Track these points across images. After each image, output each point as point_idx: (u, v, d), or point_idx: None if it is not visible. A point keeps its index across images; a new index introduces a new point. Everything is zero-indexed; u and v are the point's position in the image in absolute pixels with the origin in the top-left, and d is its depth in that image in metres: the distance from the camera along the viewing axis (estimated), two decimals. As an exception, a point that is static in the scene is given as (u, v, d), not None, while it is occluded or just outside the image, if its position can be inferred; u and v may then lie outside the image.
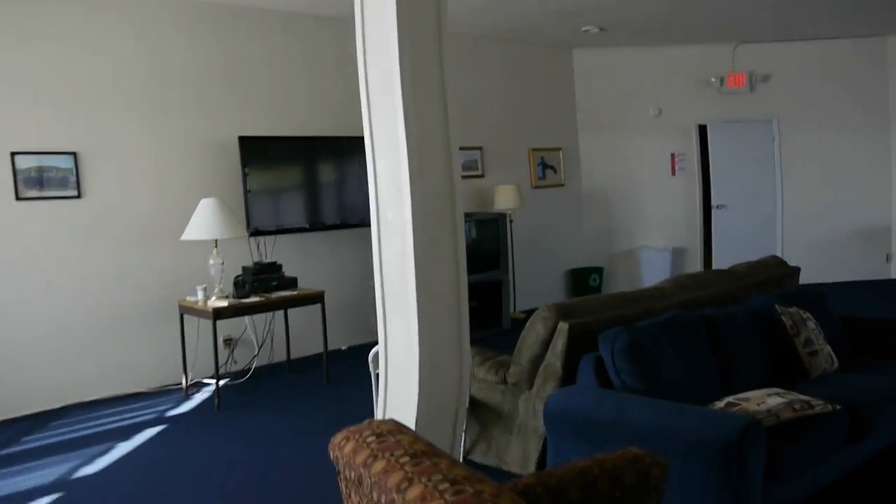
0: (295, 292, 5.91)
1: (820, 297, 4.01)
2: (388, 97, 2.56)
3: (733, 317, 3.47)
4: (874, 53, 9.20)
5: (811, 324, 3.59)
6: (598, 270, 9.18)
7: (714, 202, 9.18)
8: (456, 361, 2.84)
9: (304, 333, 6.58)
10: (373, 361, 3.45)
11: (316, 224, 6.79)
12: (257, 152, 6.36)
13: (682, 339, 3.14)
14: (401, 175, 2.57)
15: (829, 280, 9.33)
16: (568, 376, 3.18)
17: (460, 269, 2.87)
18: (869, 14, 7.98)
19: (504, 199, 7.96)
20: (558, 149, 9.07)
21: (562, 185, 9.13)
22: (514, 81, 8.65)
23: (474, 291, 7.61)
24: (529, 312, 8.46)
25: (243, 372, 6.26)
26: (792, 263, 9.30)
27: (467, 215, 7.49)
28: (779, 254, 9.34)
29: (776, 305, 3.64)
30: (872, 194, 9.33)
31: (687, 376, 3.06)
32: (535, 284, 8.58)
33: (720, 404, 2.87)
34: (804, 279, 9.39)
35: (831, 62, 9.16)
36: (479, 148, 8.26)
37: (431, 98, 2.64)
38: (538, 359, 3.28)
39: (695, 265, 9.43)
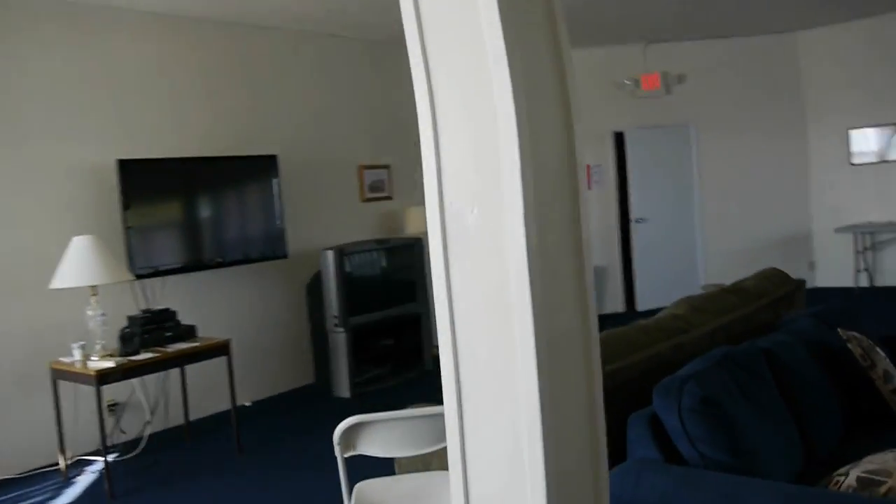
0: (195, 343, 4.95)
1: (855, 315, 3.40)
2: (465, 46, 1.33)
3: (789, 347, 2.88)
4: (786, 51, 9.17)
5: (880, 351, 3.01)
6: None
7: (633, 215, 8.86)
8: (589, 457, 1.55)
9: (203, 389, 5.60)
10: (341, 441, 2.64)
11: (211, 261, 5.83)
12: (140, 178, 5.35)
13: (747, 383, 2.52)
14: (502, 156, 1.24)
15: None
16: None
17: (589, 305, 1.53)
18: (777, 10, 7.84)
19: (415, 222, 7.25)
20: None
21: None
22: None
23: (391, 328, 6.99)
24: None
25: (134, 443, 5.20)
26: (714, 277, 9.27)
27: (379, 242, 6.74)
28: (700, 268, 9.16)
29: (839, 330, 3.05)
30: (791, 200, 9.26)
31: (766, 435, 2.43)
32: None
33: (850, 481, 2.17)
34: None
35: (744, 61, 9.04)
36: (387, 167, 7.53)
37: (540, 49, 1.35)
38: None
39: (615, 285, 9.07)
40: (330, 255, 6.09)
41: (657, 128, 8.91)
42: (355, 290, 6.21)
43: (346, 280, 6.11)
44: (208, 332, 5.30)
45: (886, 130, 8.62)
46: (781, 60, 9.13)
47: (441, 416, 2.82)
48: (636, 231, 8.84)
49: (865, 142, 8.79)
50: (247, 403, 6.00)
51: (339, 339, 6.08)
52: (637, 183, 8.86)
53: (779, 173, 9.20)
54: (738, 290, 3.70)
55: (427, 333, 6.82)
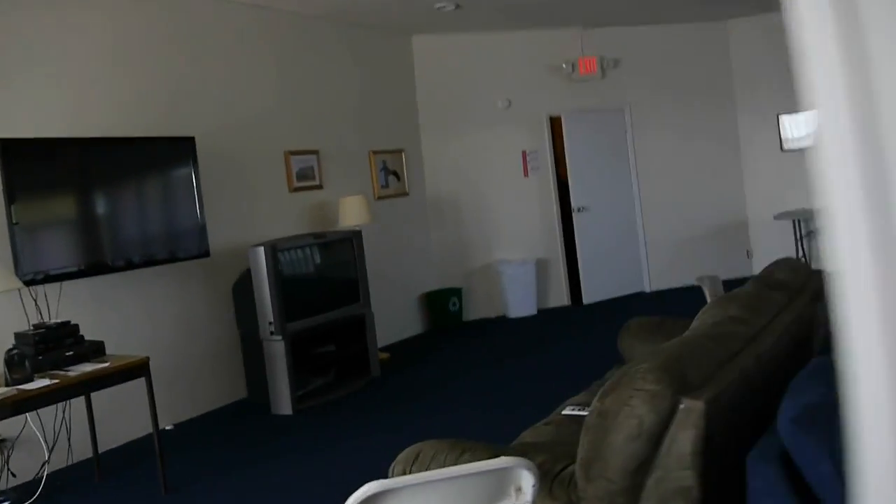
0: (104, 364, 4.03)
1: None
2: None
3: None
4: (718, 37, 8.90)
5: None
6: (457, 292, 7.98)
7: (574, 204, 8.36)
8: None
9: (113, 413, 4.68)
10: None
11: (117, 262, 4.88)
12: (28, 163, 4.37)
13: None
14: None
15: (691, 282, 8.89)
16: (708, 499, 1.87)
17: None
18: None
19: (351, 213, 6.47)
20: (400, 150, 7.76)
21: (406, 193, 7.83)
22: (350, 71, 7.21)
23: (333, 333, 6.20)
24: (391, 351, 7.20)
25: (29, 488, 4.22)
26: (657, 268, 8.93)
27: (315, 236, 5.94)
28: (642, 258, 8.76)
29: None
30: (727, 188, 9.01)
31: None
32: (388, 316, 7.15)
33: None
34: (671, 283, 9.13)
35: (678, 47, 8.72)
36: (315, 152, 6.71)
37: None
38: (643, 468, 1.94)
39: (559, 278, 8.55)
40: (260, 252, 5.25)
41: (593, 112, 8.45)
42: (292, 292, 5.39)
43: (280, 280, 5.28)
44: (120, 347, 4.38)
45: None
46: (713, 47, 8.87)
47: (497, 471, 2.01)
48: (578, 220, 8.33)
49: (796, 128, 8.61)
50: (168, 427, 5.10)
51: (276, 349, 5.25)
52: (576, 170, 8.37)
53: (714, 160, 8.93)
54: (776, 284, 3.16)
55: (372, 337, 6.07)
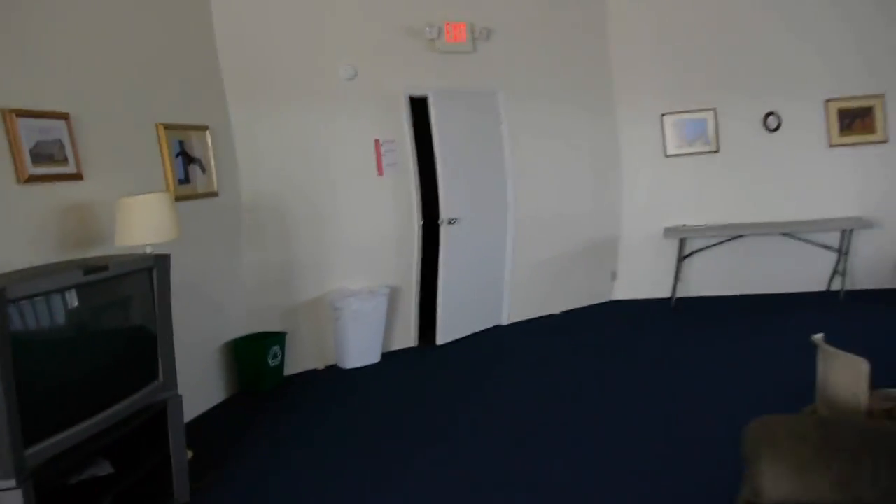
0: None
1: None
2: None
3: None
4: (595, 15, 7.33)
5: None
6: (278, 338, 5.51)
7: (443, 214, 6.25)
8: None
9: None
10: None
11: None
12: None
13: None
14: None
15: (555, 310, 7.23)
16: None
17: None
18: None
19: (145, 223, 3.80)
20: (203, 127, 5.15)
21: (215, 193, 5.23)
22: (124, 3, 4.52)
23: (113, 447, 3.00)
24: (188, 439, 3.84)
25: None
26: (517, 294, 7.04)
27: (84, 268, 3.28)
28: (504, 284, 6.90)
29: None
30: (604, 197, 7.45)
31: None
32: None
33: None
34: (532, 312, 7.11)
35: (554, 21, 6.97)
36: (64, 116, 3.93)
37: None
38: None
39: (407, 312, 6.37)
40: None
41: (465, 94, 6.44)
42: (36, 388, 2.70)
43: (14, 368, 2.58)
44: None
45: (701, 117, 7.23)
46: (592, 25, 7.28)
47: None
48: (446, 236, 6.26)
49: (681, 130, 7.32)
50: None
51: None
52: (447, 169, 6.23)
53: (593, 164, 7.35)
54: None
55: (179, 440, 3.49)
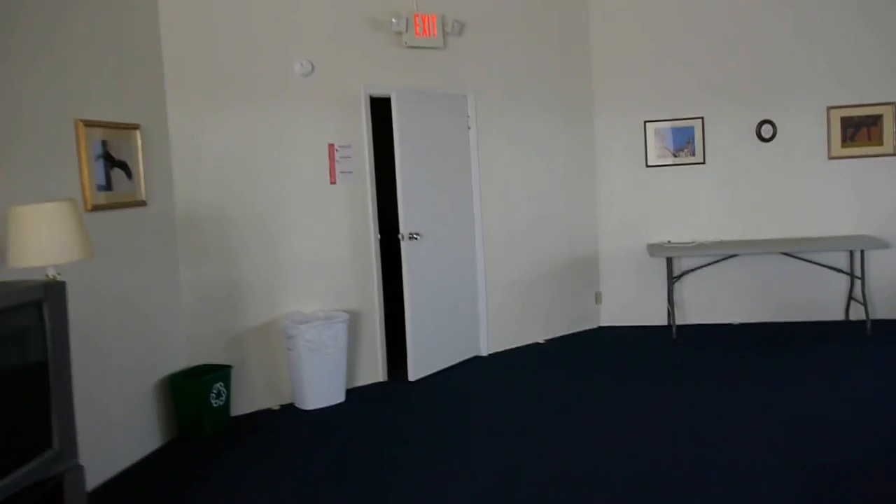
0: None
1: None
2: None
3: None
4: (577, 15, 6.74)
5: None
6: (222, 373, 4.72)
7: (403, 229, 5.53)
8: None
9: None
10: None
11: None
12: None
13: None
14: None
15: (539, 338, 6.57)
16: None
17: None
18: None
19: (43, 240, 3.04)
20: (133, 127, 4.36)
21: (142, 202, 4.43)
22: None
23: None
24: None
25: None
26: (496, 321, 6.16)
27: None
28: (480, 309, 6.23)
29: None
30: (582, 211, 6.84)
31: None
32: (96, 427, 3.83)
33: None
34: (513, 341, 6.32)
35: (530, 19, 6.35)
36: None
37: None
38: None
39: (372, 341, 5.64)
40: None
41: (432, 96, 5.75)
42: None
43: None
44: None
45: (688, 125, 6.66)
46: (573, 22, 6.67)
47: None
48: (408, 253, 5.54)
49: (665, 139, 6.74)
50: None
51: None
52: (408, 178, 5.53)
53: (568, 174, 6.72)
54: None
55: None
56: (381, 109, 5.70)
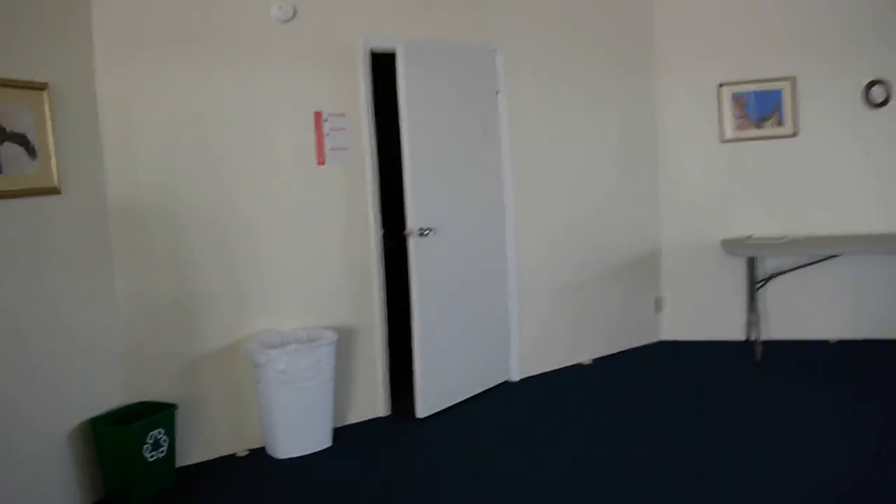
0: None
1: None
2: None
3: None
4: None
5: None
6: (164, 415, 3.58)
7: (411, 224, 4.31)
8: None
9: None
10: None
11: None
12: None
13: None
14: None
15: (583, 358, 5.37)
16: None
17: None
18: None
19: None
20: (39, 87, 3.21)
21: (53, 189, 3.30)
22: None
23: None
24: None
25: None
26: (529, 338, 4.52)
27: None
28: (512, 323, 5.02)
29: None
30: (637, 196, 5.59)
31: None
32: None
33: None
34: (549, 363, 4.57)
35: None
36: None
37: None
38: None
39: (370, 364, 4.47)
40: None
41: (449, 51, 4.52)
42: None
43: None
44: None
45: (774, 88, 5.38)
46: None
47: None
48: (418, 254, 4.32)
49: (744, 106, 5.46)
50: None
51: None
52: (417, 158, 4.31)
53: (623, 153, 5.49)
54: None
55: None
56: (385, 68, 4.48)
